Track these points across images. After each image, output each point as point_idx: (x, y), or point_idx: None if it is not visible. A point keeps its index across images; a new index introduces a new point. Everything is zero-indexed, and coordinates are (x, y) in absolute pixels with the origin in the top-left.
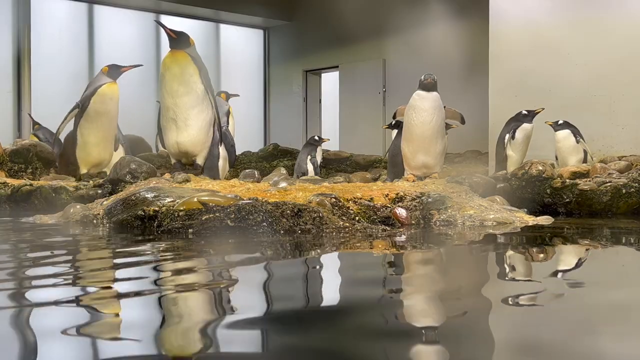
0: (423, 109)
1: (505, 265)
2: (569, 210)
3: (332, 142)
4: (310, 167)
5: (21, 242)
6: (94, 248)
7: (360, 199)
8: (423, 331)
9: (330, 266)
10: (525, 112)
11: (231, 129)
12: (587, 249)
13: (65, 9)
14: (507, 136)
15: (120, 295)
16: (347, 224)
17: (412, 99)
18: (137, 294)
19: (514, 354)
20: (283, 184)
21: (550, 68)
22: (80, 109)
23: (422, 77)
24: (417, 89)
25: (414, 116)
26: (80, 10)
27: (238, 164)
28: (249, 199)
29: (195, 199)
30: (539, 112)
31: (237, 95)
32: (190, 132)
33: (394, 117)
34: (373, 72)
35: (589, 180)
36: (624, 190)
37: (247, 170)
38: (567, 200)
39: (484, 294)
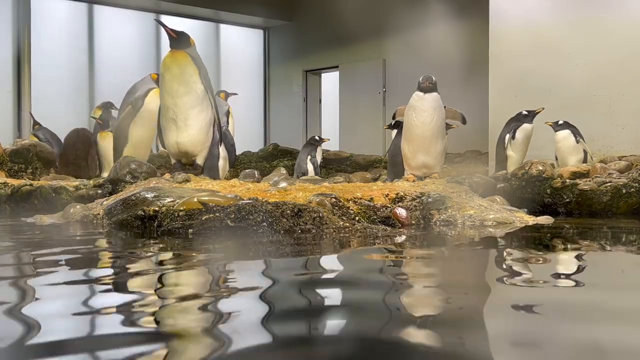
0: (423, 109)
1: (506, 267)
2: (569, 210)
3: (332, 142)
4: (310, 167)
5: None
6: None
7: (360, 199)
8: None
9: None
10: (526, 112)
11: (231, 129)
12: (585, 252)
13: (65, 9)
14: (508, 136)
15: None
16: (347, 224)
17: (412, 99)
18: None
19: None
20: (283, 184)
21: (550, 68)
22: (133, 109)
23: (420, 79)
24: (416, 89)
25: (414, 116)
26: (80, 10)
27: (238, 164)
28: (249, 199)
29: (195, 199)
30: (539, 112)
31: (236, 94)
32: (190, 132)
33: (393, 117)
34: (373, 72)
35: (589, 180)
36: (624, 190)
37: (247, 170)
38: (567, 200)
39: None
